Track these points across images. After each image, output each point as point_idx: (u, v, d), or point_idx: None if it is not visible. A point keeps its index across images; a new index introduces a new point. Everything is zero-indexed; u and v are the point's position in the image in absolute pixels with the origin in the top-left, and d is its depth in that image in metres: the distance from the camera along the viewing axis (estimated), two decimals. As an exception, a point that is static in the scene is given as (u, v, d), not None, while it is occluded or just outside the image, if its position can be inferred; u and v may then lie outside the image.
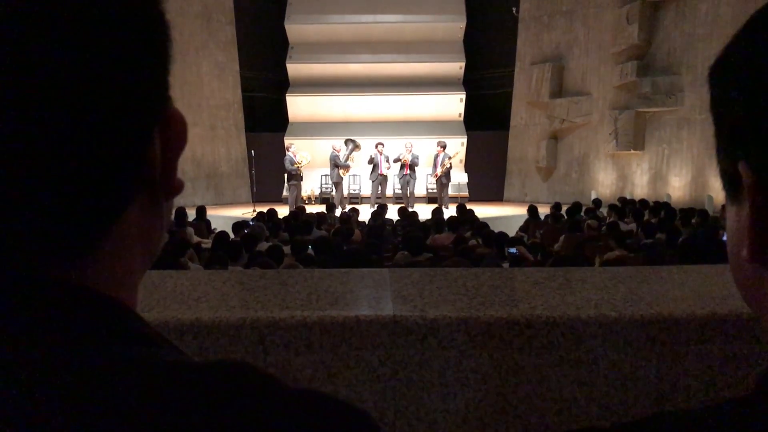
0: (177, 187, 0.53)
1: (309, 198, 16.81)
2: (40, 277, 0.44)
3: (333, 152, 15.56)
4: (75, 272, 0.46)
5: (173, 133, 0.52)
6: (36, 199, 0.43)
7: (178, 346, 0.49)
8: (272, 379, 0.45)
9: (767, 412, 0.46)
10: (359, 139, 16.32)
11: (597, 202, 12.36)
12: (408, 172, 15.69)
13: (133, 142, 0.47)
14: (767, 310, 0.51)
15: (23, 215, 0.43)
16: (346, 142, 15.85)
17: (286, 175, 15.54)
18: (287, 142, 16.78)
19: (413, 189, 15.95)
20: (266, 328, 1.56)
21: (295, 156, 15.28)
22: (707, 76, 0.55)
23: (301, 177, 15.47)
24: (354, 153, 15.70)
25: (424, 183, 17.18)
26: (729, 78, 0.51)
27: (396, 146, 16.25)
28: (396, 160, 15.64)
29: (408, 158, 15.50)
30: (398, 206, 13.50)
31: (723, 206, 10.99)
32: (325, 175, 16.88)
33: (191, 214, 11.05)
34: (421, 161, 15.85)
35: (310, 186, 17.09)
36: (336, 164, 15.49)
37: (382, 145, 15.80)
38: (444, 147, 15.79)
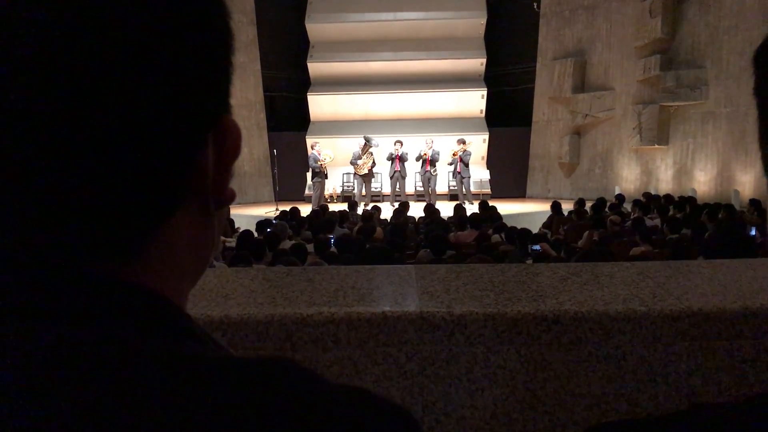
0: (228, 197, 0.54)
1: (331, 196, 16.86)
2: (90, 273, 0.45)
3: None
4: (124, 272, 0.46)
5: (228, 142, 0.51)
6: (83, 198, 0.43)
7: (222, 344, 0.50)
8: (316, 376, 0.45)
9: None
10: (380, 137, 16.35)
11: (620, 198, 12.25)
12: (429, 168, 15.73)
13: (185, 147, 0.47)
14: None
15: (71, 213, 0.43)
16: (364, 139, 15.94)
17: (309, 173, 15.64)
18: (311, 140, 16.87)
19: (435, 185, 15.99)
20: (294, 324, 1.56)
21: (319, 154, 15.37)
22: (752, 59, 0.54)
23: (326, 175, 15.55)
24: (372, 150, 15.73)
25: (445, 180, 17.16)
26: None
27: (417, 143, 16.27)
28: (418, 158, 15.69)
29: (429, 153, 15.54)
30: (419, 203, 13.52)
31: (750, 201, 10.81)
32: (347, 173, 16.93)
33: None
34: (441, 157, 15.87)
35: (332, 184, 17.14)
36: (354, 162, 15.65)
37: (401, 143, 15.84)
38: (463, 143, 15.82)
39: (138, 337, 0.43)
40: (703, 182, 14.36)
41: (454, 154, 15.66)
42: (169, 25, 0.45)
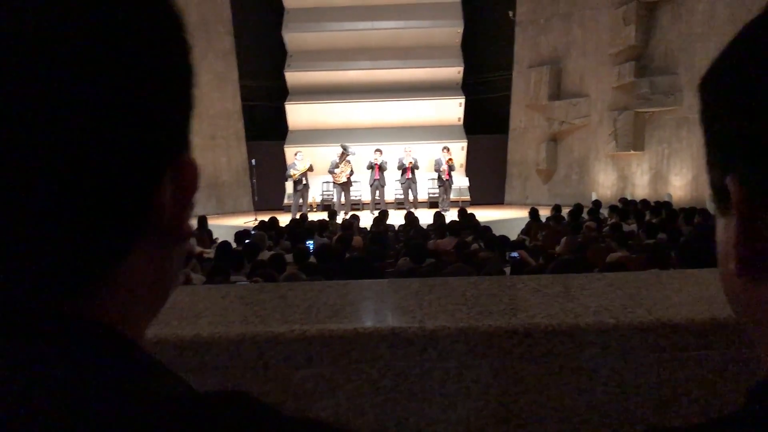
0: (186, 233, 0.53)
1: (311, 205, 16.83)
2: (46, 311, 0.45)
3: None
4: (81, 308, 0.46)
5: (185, 179, 0.51)
6: (40, 236, 0.43)
7: (182, 377, 0.50)
8: (273, 411, 0.45)
9: (756, 429, 0.46)
10: (359, 146, 16.38)
11: (597, 204, 12.36)
12: (410, 176, 15.78)
13: (141, 186, 0.47)
14: (755, 322, 0.52)
15: (29, 252, 0.43)
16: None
17: (290, 182, 15.65)
18: (290, 150, 16.85)
19: (416, 193, 16.04)
20: (266, 342, 1.56)
21: (297, 164, 15.37)
22: (697, 87, 0.55)
23: (304, 185, 15.50)
24: (350, 158, 15.73)
25: (425, 187, 17.22)
26: (718, 90, 0.51)
27: (397, 152, 16.32)
28: (400, 167, 15.72)
29: (412, 161, 15.61)
30: (399, 211, 13.54)
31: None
32: (327, 182, 16.92)
33: (192, 224, 11.06)
34: (421, 165, 15.94)
35: (312, 194, 17.11)
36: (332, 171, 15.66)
37: (380, 151, 15.89)
38: (448, 150, 15.92)
39: (93, 377, 0.43)
40: (678, 187, 14.53)
41: (449, 161, 15.69)
42: (125, 62, 0.45)
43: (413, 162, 15.69)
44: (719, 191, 0.51)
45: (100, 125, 0.43)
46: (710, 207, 11.79)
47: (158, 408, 0.42)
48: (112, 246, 0.46)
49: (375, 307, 1.77)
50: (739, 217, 0.48)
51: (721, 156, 0.50)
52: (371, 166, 15.76)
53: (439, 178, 16.01)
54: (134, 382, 0.44)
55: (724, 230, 0.52)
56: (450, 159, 15.73)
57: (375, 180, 15.78)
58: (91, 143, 0.43)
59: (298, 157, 15.54)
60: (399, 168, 15.84)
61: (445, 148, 16.04)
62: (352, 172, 15.89)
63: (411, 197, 16.00)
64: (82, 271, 0.46)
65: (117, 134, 0.44)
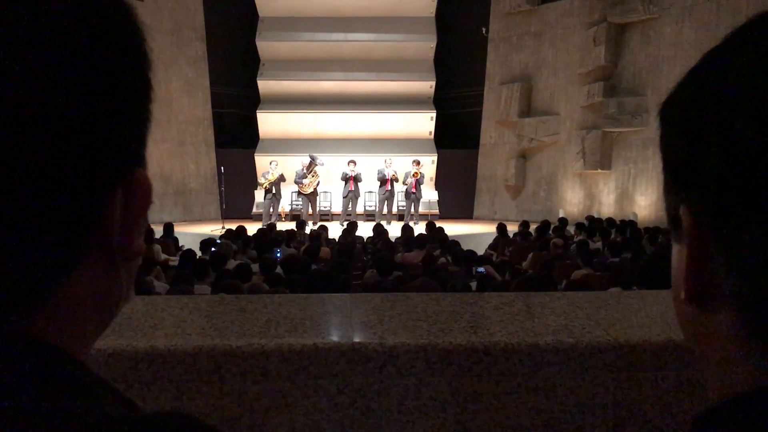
0: (136, 252, 0.52)
1: (279, 215, 16.74)
2: None
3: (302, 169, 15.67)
4: (24, 325, 0.45)
5: (136, 196, 0.50)
6: None
7: (126, 396, 0.48)
8: (216, 431, 0.44)
9: None
10: (329, 156, 16.37)
11: (563, 221, 12.51)
12: (389, 188, 15.78)
13: (88, 201, 0.45)
14: (705, 349, 0.52)
15: None
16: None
17: (262, 190, 15.59)
18: (260, 158, 16.76)
19: (392, 206, 16.07)
20: (222, 356, 1.54)
21: (270, 172, 15.32)
22: (657, 114, 0.55)
23: (274, 193, 15.42)
24: (318, 169, 15.70)
25: (395, 200, 17.27)
26: (675, 118, 0.51)
27: (368, 163, 16.33)
28: (381, 179, 15.70)
29: (394, 173, 15.64)
30: (368, 223, 13.53)
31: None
32: (295, 192, 16.86)
33: (158, 231, 10.92)
34: (399, 176, 15.99)
35: (281, 203, 17.03)
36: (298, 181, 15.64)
37: (354, 162, 15.88)
38: (418, 164, 15.97)
39: (33, 398, 0.41)
40: (643, 206, 14.78)
41: (415, 175, 15.71)
42: (78, 73, 0.44)
43: (395, 174, 15.70)
44: (673, 219, 0.51)
45: (47, 136, 0.42)
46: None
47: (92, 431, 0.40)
48: (55, 261, 0.45)
49: (336, 322, 1.75)
50: (688, 246, 0.48)
51: (674, 184, 0.51)
52: (346, 178, 15.72)
53: (406, 191, 16.06)
54: (73, 405, 0.43)
55: (677, 257, 0.52)
56: (416, 173, 15.74)
57: (350, 191, 15.74)
58: (36, 155, 0.42)
59: (272, 166, 15.47)
60: (379, 180, 15.83)
61: (415, 161, 16.08)
62: (319, 183, 15.83)
63: (386, 210, 16.01)
64: (24, 286, 0.44)
65: (65, 147, 0.43)
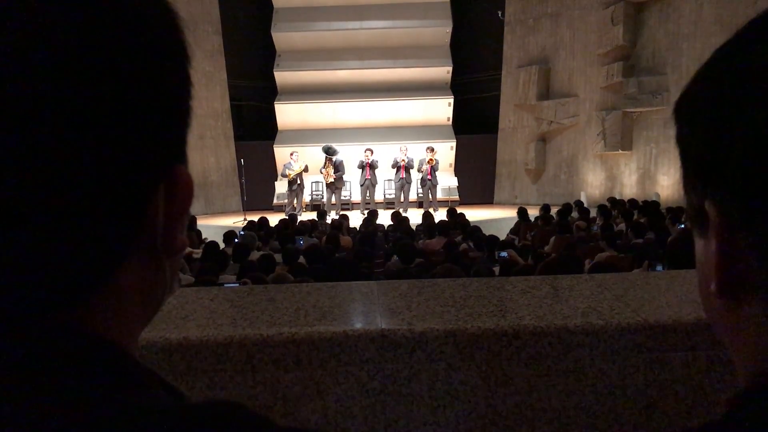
0: (180, 247, 0.53)
1: (302, 206, 16.81)
2: (40, 323, 0.45)
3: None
4: (75, 320, 0.46)
5: (178, 193, 0.51)
6: (33, 250, 0.43)
7: (174, 387, 0.50)
8: (267, 421, 0.45)
9: None
10: (348, 146, 16.37)
11: (578, 204, 12.37)
12: (404, 175, 15.77)
13: (133, 197, 0.47)
14: (735, 341, 0.52)
15: (22, 266, 0.43)
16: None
17: (287, 182, 15.65)
18: (279, 149, 16.80)
19: (408, 193, 16.04)
20: (254, 345, 1.56)
21: (293, 163, 15.36)
22: (672, 111, 0.55)
23: (298, 184, 15.50)
24: (335, 159, 15.69)
25: (413, 187, 17.24)
26: (694, 116, 0.51)
27: (386, 151, 16.32)
28: (394, 165, 15.71)
29: (406, 161, 15.61)
30: (389, 211, 13.53)
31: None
32: (316, 182, 16.90)
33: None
34: (414, 164, 15.95)
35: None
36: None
37: (371, 150, 15.87)
38: (432, 150, 15.91)
39: (87, 389, 0.43)
40: (666, 186, 14.61)
41: (429, 162, 15.68)
42: (122, 72, 0.44)
43: (406, 161, 15.67)
44: (696, 214, 0.51)
45: (93, 136, 0.43)
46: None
47: (146, 423, 0.41)
48: (104, 257, 0.46)
49: (364, 309, 1.77)
50: (717, 243, 0.48)
51: (698, 182, 0.50)
52: (362, 166, 15.73)
53: (422, 178, 16.03)
54: (124, 395, 0.44)
55: (702, 251, 0.52)
56: (431, 159, 15.70)
57: (366, 179, 15.75)
58: (84, 154, 0.43)
59: (293, 157, 15.52)
60: (393, 166, 15.84)
61: (428, 148, 16.02)
62: (336, 170, 15.81)
63: (402, 197, 16.00)
64: (75, 281, 0.45)
65: (111, 146, 0.44)
